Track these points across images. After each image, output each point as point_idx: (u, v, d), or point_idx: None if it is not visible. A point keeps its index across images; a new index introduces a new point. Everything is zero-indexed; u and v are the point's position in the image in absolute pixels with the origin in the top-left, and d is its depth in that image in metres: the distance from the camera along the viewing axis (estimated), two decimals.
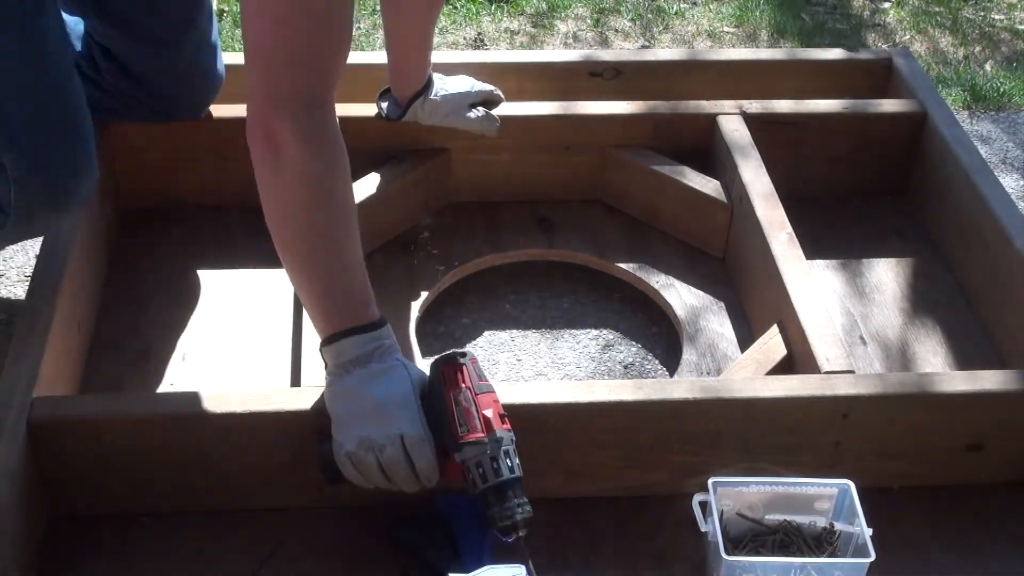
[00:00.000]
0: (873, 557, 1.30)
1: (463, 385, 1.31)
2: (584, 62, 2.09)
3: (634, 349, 1.84)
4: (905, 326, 1.80)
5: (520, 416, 1.39)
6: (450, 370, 1.32)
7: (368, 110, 1.91)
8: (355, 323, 1.31)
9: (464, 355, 1.34)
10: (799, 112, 1.97)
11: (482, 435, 1.29)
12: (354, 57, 2.17)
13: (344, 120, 1.85)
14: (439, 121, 1.87)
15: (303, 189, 1.29)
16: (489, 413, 1.30)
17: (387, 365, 1.31)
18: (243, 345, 1.69)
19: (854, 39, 3.15)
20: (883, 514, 1.42)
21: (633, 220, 1.97)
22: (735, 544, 1.38)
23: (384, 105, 1.88)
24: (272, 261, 1.82)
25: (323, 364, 1.35)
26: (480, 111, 1.88)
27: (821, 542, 1.39)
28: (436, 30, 3.12)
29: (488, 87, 1.92)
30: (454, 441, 1.29)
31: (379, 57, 2.21)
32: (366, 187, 1.84)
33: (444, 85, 1.87)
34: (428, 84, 1.85)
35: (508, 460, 1.29)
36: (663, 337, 1.86)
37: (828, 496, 1.39)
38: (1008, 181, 2.53)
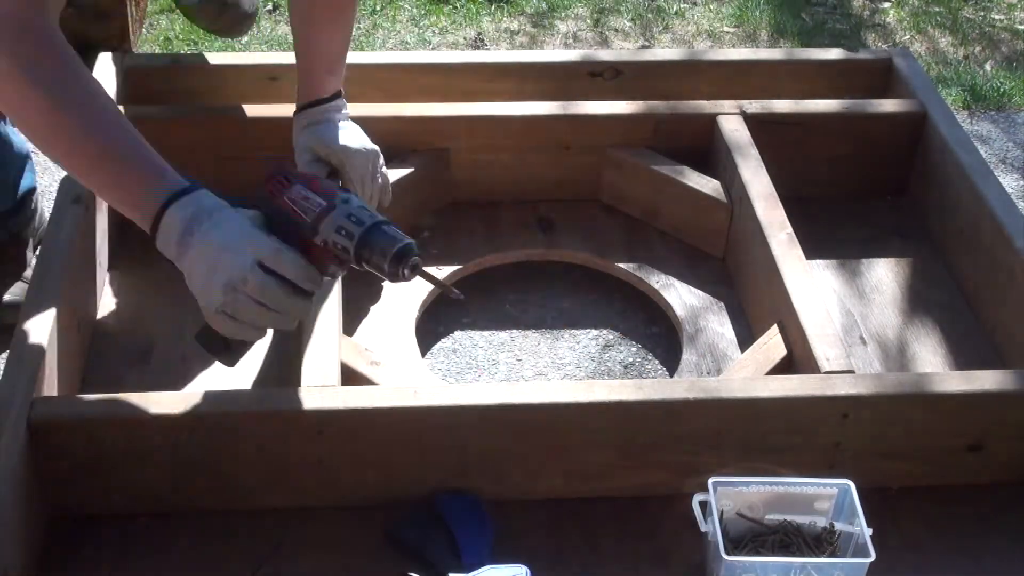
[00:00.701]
0: (873, 557, 1.30)
1: (291, 184, 1.26)
2: (584, 62, 2.09)
3: (634, 349, 1.84)
4: (905, 326, 1.80)
5: (520, 416, 1.39)
6: (273, 181, 1.27)
7: (368, 110, 1.91)
8: (162, 197, 1.25)
9: (283, 165, 1.29)
10: (799, 112, 1.97)
11: (326, 204, 1.23)
12: (354, 57, 2.18)
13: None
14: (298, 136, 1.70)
15: (41, 107, 1.21)
16: (325, 186, 1.25)
17: (216, 217, 1.24)
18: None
19: (854, 39, 3.16)
20: (883, 514, 1.42)
21: (633, 220, 1.98)
22: (735, 544, 1.38)
23: None
24: None
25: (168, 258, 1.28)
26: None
27: (821, 542, 1.39)
28: (436, 30, 3.12)
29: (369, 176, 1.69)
30: (309, 230, 1.23)
31: (378, 57, 2.22)
32: None
33: (345, 123, 1.69)
34: (322, 102, 1.67)
35: (366, 211, 1.23)
36: (663, 337, 1.86)
37: (828, 496, 1.39)
38: (1008, 181, 2.53)
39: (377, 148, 1.71)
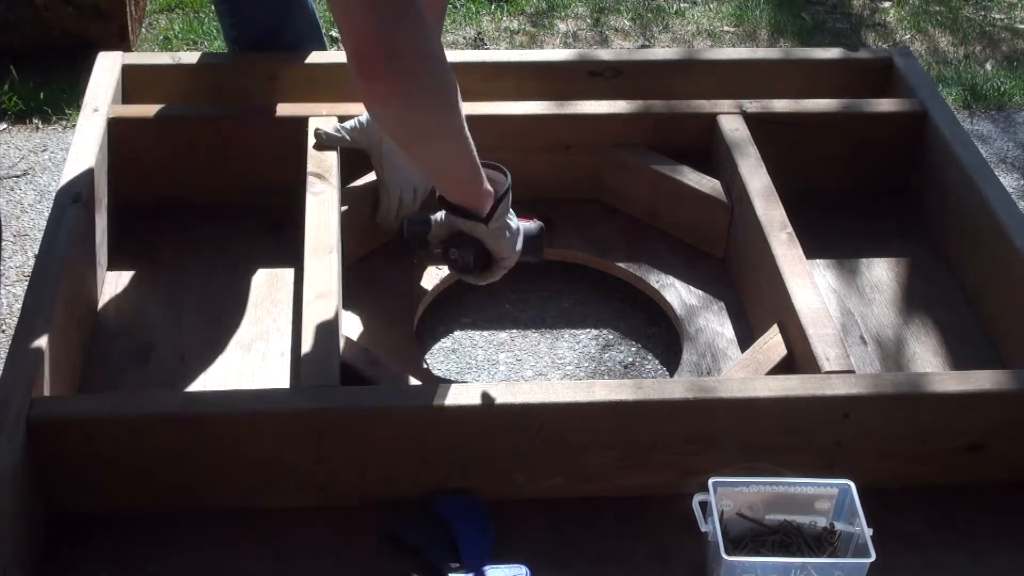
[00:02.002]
0: (873, 557, 1.30)
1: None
2: (584, 62, 2.09)
3: (634, 349, 1.84)
4: (905, 326, 1.79)
5: (520, 416, 1.39)
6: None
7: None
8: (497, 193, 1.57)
9: None
10: (799, 111, 1.97)
11: None
12: None
13: (345, 119, 1.87)
14: (367, 144, 1.79)
15: (435, 81, 1.35)
16: None
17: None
18: (243, 345, 1.69)
19: (854, 38, 3.16)
20: (883, 514, 1.42)
21: (633, 220, 1.97)
22: (735, 544, 1.38)
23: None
24: (272, 261, 1.84)
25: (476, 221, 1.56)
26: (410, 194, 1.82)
27: (821, 542, 1.39)
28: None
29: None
30: None
31: None
32: (366, 186, 1.84)
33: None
34: None
35: None
36: (663, 337, 1.85)
37: (828, 496, 1.39)
38: (1008, 180, 2.53)
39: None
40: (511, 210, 1.63)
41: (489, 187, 1.56)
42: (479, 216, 1.57)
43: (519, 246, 1.66)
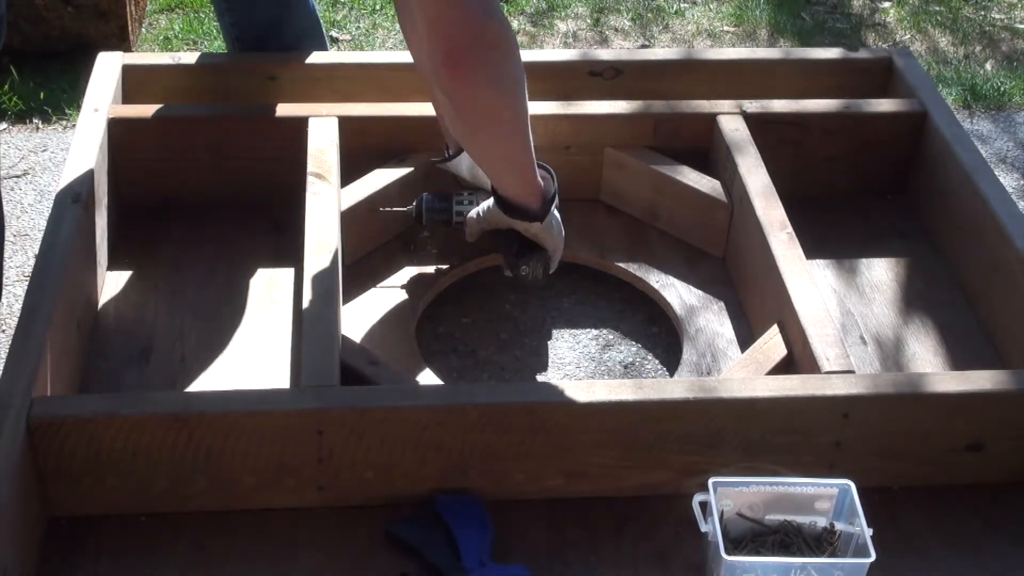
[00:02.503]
0: (873, 557, 1.30)
1: None
2: (584, 61, 2.09)
3: (634, 349, 1.84)
4: (905, 326, 1.80)
5: (520, 416, 1.39)
6: None
7: (368, 110, 1.92)
8: (551, 190, 1.65)
9: None
10: (799, 112, 1.97)
11: None
12: (354, 57, 2.18)
13: (344, 119, 1.87)
14: (473, 177, 1.82)
15: (518, 73, 1.42)
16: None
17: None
18: (243, 345, 1.69)
19: (854, 38, 3.16)
20: (883, 514, 1.42)
21: (633, 220, 1.97)
22: (735, 544, 1.38)
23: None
24: (272, 261, 1.84)
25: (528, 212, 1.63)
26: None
27: (821, 542, 1.39)
28: None
29: None
30: None
31: (378, 57, 2.21)
32: (366, 186, 1.84)
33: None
34: None
35: None
36: (663, 337, 1.86)
37: (828, 496, 1.39)
38: (1008, 180, 2.53)
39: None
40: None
41: (541, 183, 1.61)
42: (535, 214, 1.62)
43: (562, 232, 1.74)
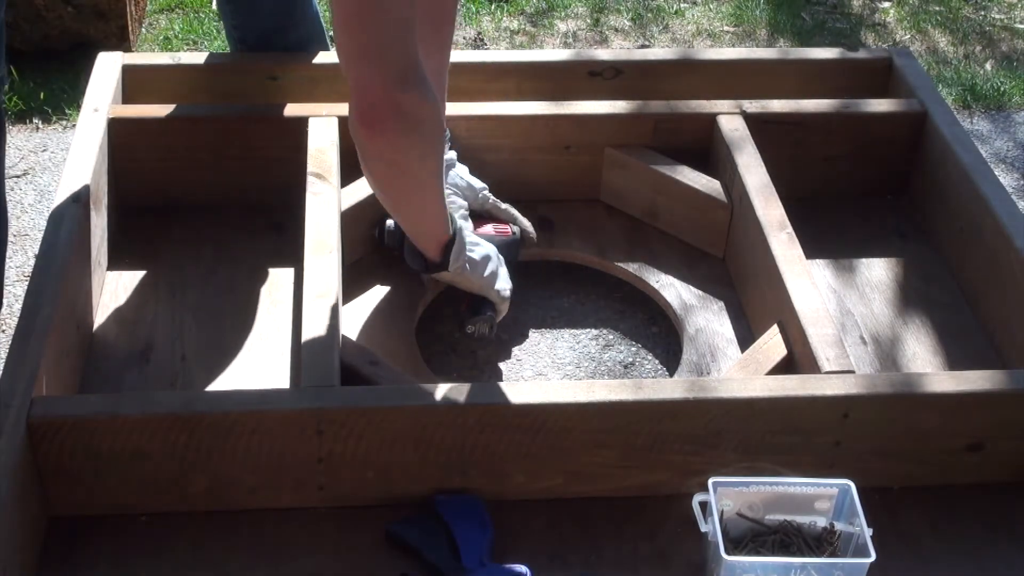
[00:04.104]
0: (873, 557, 1.30)
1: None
2: (584, 62, 2.09)
3: (634, 349, 1.84)
4: (905, 326, 1.80)
5: (520, 416, 1.39)
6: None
7: None
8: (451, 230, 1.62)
9: None
10: (799, 112, 1.97)
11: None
12: None
13: (345, 119, 1.87)
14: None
15: (435, 143, 1.46)
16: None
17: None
18: (243, 345, 1.69)
19: (853, 38, 3.16)
20: (883, 514, 1.42)
21: (633, 220, 1.97)
22: (735, 544, 1.38)
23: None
24: (272, 261, 1.84)
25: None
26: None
27: (821, 542, 1.39)
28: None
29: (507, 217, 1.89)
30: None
31: None
32: (366, 186, 1.84)
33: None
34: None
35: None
36: (663, 337, 1.85)
37: (828, 496, 1.39)
38: (1007, 180, 2.53)
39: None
40: (476, 239, 1.69)
41: (450, 231, 1.61)
42: (436, 264, 1.63)
43: (499, 269, 1.72)
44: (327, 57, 2.05)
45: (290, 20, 2.05)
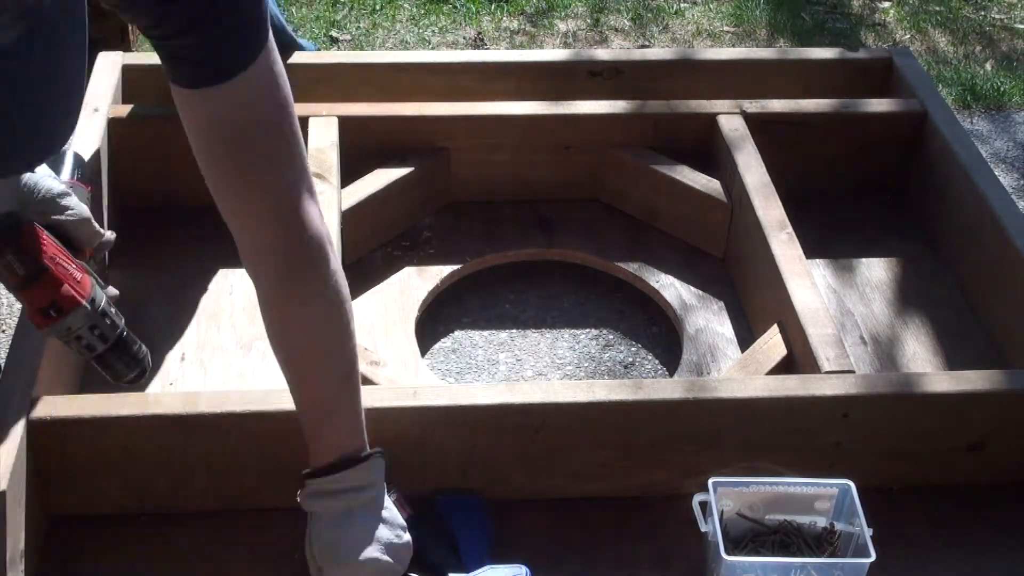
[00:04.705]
0: (873, 557, 1.30)
1: (48, 251, 1.21)
2: (584, 62, 2.09)
3: (634, 349, 1.84)
4: (905, 326, 1.80)
5: (520, 416, 1.39)
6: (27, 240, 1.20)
7: (368, 110, 1.91)
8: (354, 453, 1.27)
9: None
10: (799, 111, 1.97)
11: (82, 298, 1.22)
12: (354, 57, 2.18)
13: (344, 119, 1.87)
14: None
15: (336, 293, 1.23)
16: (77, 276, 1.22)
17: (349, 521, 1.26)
18: (243, 345, 1.69)
19: (853, 38, 3.16)
20: (883, 514, 1.42)
21: (633, 220, 1.97)
22: (735, 544, 1.38)
23: None
24: None
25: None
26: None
27: (821, 542, 1.39)
28: (436, 29, 3.11)
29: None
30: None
31: (378, 57, 2.22)
32: (366, 186, 1.84)
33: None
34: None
35: (113, 313, 1.27)
36: (663, 337, 1.86)
37: (828, 496, 1.39)
38: (1007, 180, 2.53)
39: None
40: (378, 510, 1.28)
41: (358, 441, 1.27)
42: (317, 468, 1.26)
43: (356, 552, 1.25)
44: (327, 57, 2.06)
45: None
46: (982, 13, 3.32)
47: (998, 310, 1.75)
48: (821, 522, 1.40)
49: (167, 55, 1.11)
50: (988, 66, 3.04)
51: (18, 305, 1.84)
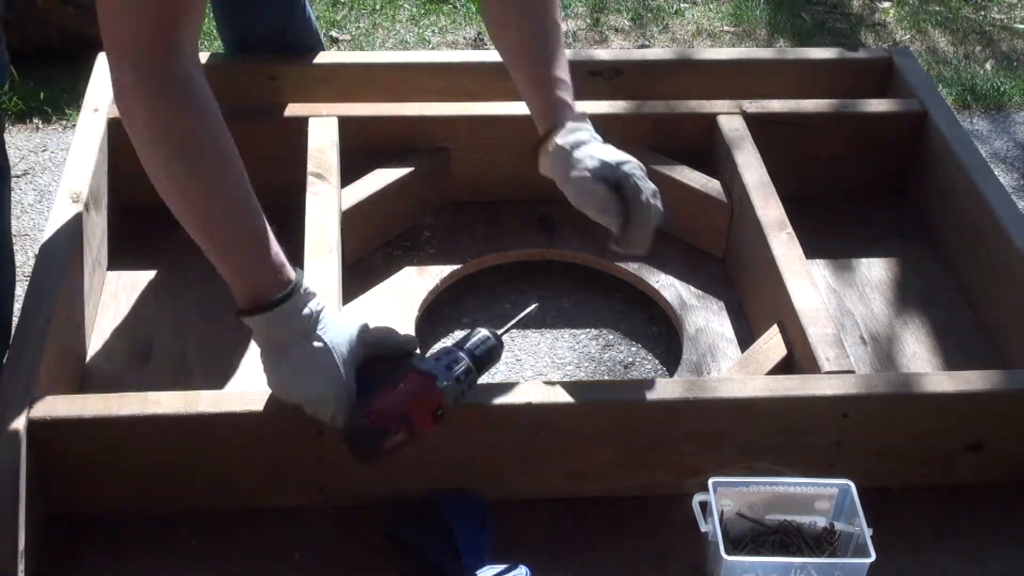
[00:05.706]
0: (873, 557, 1.30)
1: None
2: (584, 62, 2.09)
3: (634, 349, 1.84)
4: (905, 326, 1.80)
5: (520, 416, 1.39)
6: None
7: (368, 110, 1.91)
8: (265, 299, 1.29)
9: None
10: (799, 111, 1.97)
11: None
12: (354, 57, 2.18)
13: (344, 119, 1.87)
14: (560, 181, 1.52)
15: (161, 144, 1.29)
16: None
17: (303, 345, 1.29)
18: (243, 345, 1.69)
19: (853, 38, 3.16)
20: (883, 514, 1.42)
21: None
22: (735, 544, 1.38)
23: None
24: None
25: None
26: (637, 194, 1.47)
27: (821, 542, 1.39)
28: (436, 29, 3.12)
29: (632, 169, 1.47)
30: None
31: (378, 57, 2.22)
32: (366, 186, 1.84)
33: (582, 142, 1.49)
34: (552, 129, 1.50)
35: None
36: (663, 337, 1.86)
37: (828, 496, 1.39)
38: (1007, 180, 2.53)
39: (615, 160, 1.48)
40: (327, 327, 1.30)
41: (285, 274, 1.31)
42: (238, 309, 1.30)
43: (332, 386, 1.29)
44: (327, 57, 2.05)
45: (287, 23, 2.04)
46: (982, 13, 3.32)
47: (998, 310, 1.75)
48: (821, 522, 1.40)
49: None
50: (988, 66, 3.04)
51: (18, 305, 1.85)
